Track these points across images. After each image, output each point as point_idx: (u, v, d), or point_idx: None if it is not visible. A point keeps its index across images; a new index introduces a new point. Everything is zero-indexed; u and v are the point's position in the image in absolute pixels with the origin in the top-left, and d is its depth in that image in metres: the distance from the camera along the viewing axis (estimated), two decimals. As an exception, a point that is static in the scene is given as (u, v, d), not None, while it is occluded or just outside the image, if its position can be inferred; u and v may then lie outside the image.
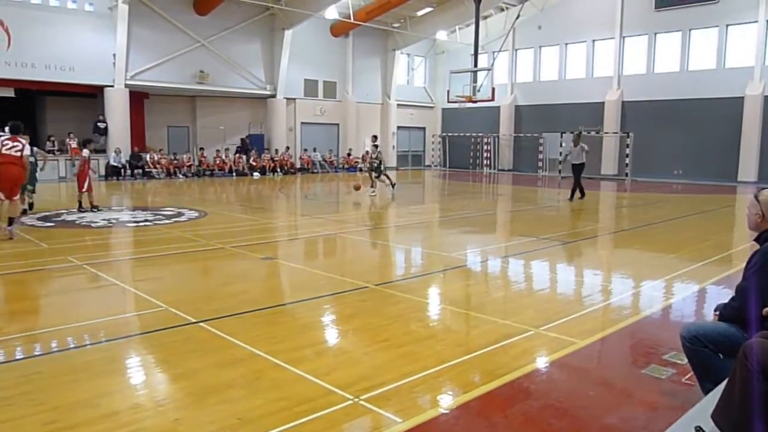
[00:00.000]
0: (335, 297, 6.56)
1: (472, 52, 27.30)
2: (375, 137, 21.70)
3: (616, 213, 16.72)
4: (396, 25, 32.95)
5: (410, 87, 36.69)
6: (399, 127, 35.92)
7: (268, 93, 29.84)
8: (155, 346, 5.02)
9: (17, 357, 4.69)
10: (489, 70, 27.62)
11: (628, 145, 27.95)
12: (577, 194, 17.60)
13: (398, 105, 35.45)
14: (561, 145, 29.55)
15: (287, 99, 30.51)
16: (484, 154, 34.66)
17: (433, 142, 37.72)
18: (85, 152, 13.99)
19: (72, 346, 5.00)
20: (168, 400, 3.95)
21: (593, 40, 30.17)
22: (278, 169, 29.21)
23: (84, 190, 13.60)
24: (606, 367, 4.75)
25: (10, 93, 23.73)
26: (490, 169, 34.19)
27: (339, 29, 31.68)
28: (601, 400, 4.01)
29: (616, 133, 29.05)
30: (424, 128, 37.91)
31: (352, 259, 9.47)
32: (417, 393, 3.99)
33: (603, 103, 29.43)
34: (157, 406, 3.85)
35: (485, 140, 34.50)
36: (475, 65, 27.14)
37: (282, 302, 6.58)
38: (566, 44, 31.23)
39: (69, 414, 3.65)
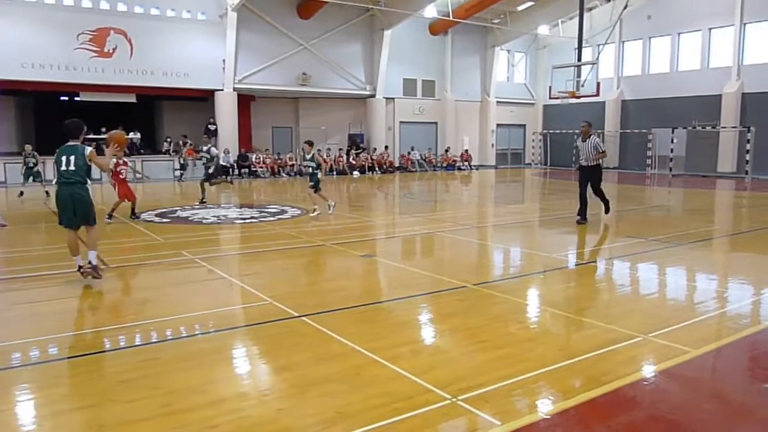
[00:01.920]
0: (433, 296, 6.56)
1: (576, 45, 26.34)
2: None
3: (734, 214, 15.58)
4: (496, 21, 32.43)
5: (510, 84, 35.99)
6: (498, 125, 35.37)
7: (368, 93, 30.31)
8: (260, 338, 5.24)
9: (137, 343, 5.06)
10: (594, 63, 26.60)
11: (748, 141, 25.95)
12: (599, 208, 12.41)
13: (498, 102, 34.90)
14: (672, 141, 27.95)
15: (386, 98, 30.88)
16: (588, 152, 33.32)
17: (533, 140, 36.81)
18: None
19: (184, 335, 5.32)
20: (271, 391, 4.11)
21: (709, 29, 28.22)
22: (377, 168, 29.60)
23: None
24: (722, 380, 4.43)
25: (132, 99, 25.69)
26: (594, 167, 32.83)
27: (438, 27, 31.65)
28: (716, 414, 3.76)
29: (734, 127, 27.04)
30: (524, 125, 37.07)
31: (450, 258, 9.43)
32: (516, 396, 3.92)
33: (720, 95, 27.46)
34: (261, 395, 4.02)
35: (589, 137, 33.14)
36: (579, 59, 26.18)
37: (380, 299, 6.66)
38: (679, 34, 29.43)
39: (182, 398, 3.89)
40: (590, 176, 11.95)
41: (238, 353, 4.95)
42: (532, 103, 36.85)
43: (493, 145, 35.31)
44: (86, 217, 6.98)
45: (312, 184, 13.27)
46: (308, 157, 13.48)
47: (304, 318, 5.56)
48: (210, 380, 4.21)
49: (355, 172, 28.56)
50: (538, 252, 9.59)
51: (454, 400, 3.80)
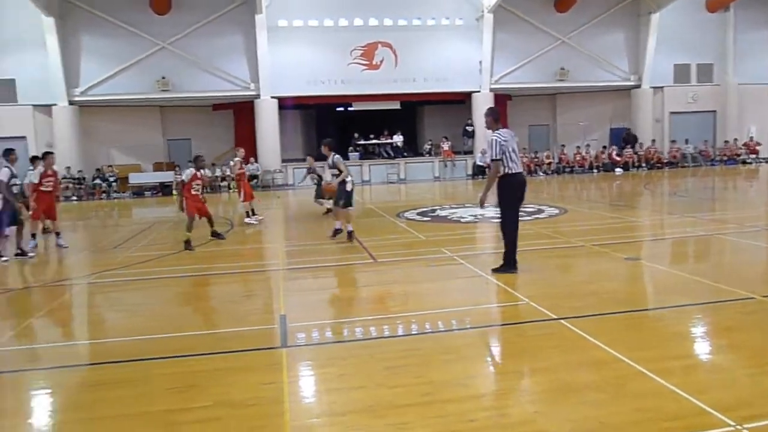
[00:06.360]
0: (710, 306, 5.83)
1: None
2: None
3: None
4: (794, -14, 27.61)
5: (816, 59, 30.24)
6: (798, 110, 29.95)
7: (633, 83, 28.25)
8: (517, 337, 5.22)
9: (400, 333, 5.41)
10: None
11: None
12: None
13: (799, 83, 29.51)
14: None
15: (654, 88, 28.40)
16: None
17: None
18: (187, 171, 11.30)
19: (443, 328, 5.54)
20: (528, 392, 4.06)
21: None
22: (643, 164, 27.37)
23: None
24: None
25: (396, 105, 27.67)
26: None
27: (717, 3, 28.04)
28: None
29: None
30: (835, 108, 30.80)
31: (733, 264, 8.28)
32: (823, 432, 3.28)
33: None
34: (519, 395, 4.00)
35: None
36: None
37: (647, 306, 6.15)
38: None
39: (442, 389, 4.05)
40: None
41: (496, 351, 5.00)
42: None
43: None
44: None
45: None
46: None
47: (562, 321, 5.38)
48: (468, 374, 4.32)
49: (618, 169, 26.79)
50: None
51: (738, 427, 3.32)
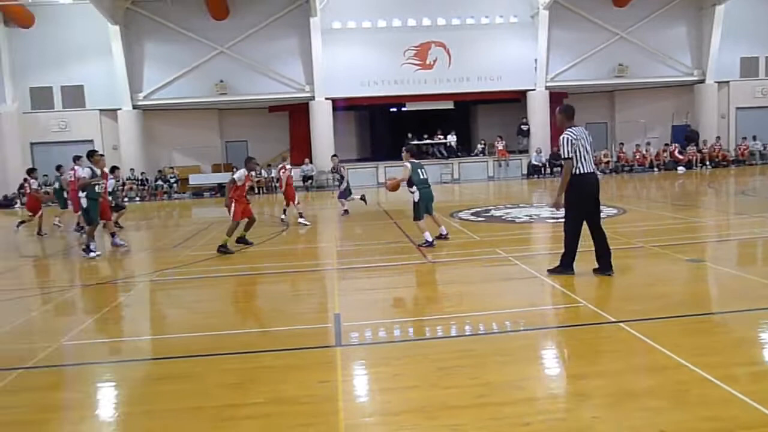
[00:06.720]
0: (782, 310, 5.56)
1: None
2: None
3: None
4: None
5: None
6: None
7: (696, 79, 27.25)
8: (574, 340, 5.11)
9: (454, 334, 5.38)
10: None
11: None
12: None
13: None
14: None
15: (718, 83, 27.29)
16: None
17: None
18: (239, 172, 10.80)
19: (497, 330, 5.47)
20: (585, 396, 3.95)
21: None
22: (707, 162, 26.34)
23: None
24: None
25: (450, 105, 27.54)
26: None
27: (788, -7, 26.76)
28: None
29: None
30: None
31: (805, 266, 7.87)
32: None
33: None
34: (575, 400, 3.90)
35: None
36: None
37: (711, 310, 5.90)
38: None
39: (497, 391, 4.00)
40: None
41: (552, 354, 4.90)
42: None
43: None
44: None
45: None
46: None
47: (621, 324, 5.23)
48: (524, 377, 4.25)
49: (680, 168, 25.86)
50: None
51: (812, 438, 3.16)
